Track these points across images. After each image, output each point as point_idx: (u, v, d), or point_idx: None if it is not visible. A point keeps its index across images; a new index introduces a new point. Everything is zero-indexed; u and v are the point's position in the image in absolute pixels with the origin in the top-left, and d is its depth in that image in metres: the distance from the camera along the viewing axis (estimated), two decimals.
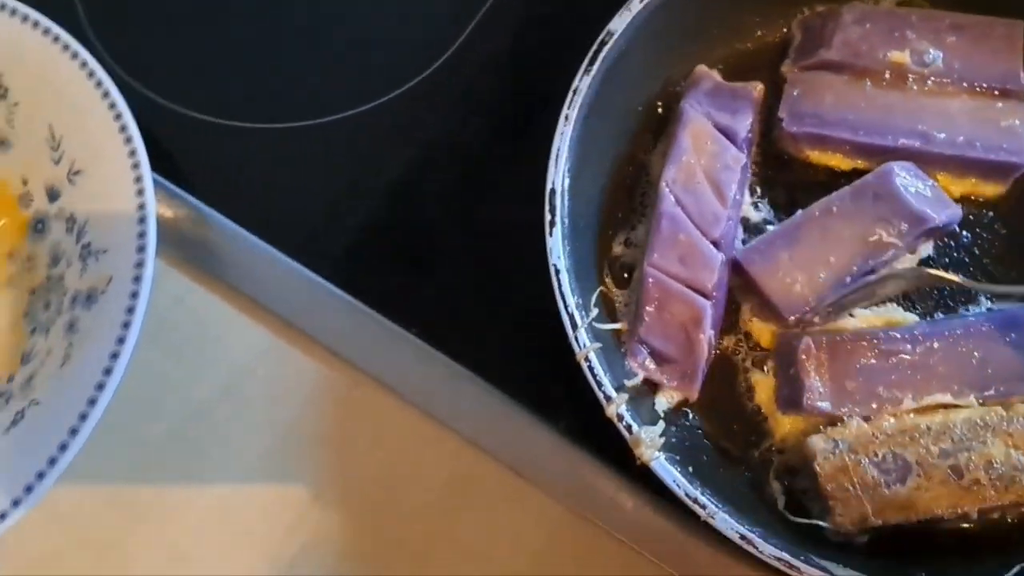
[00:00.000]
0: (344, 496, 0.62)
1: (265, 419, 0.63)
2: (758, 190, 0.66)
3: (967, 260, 0.64)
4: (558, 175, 0.59)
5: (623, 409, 0.54)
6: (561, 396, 0.61)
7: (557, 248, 0.58)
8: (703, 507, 0.52)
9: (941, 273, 0.61)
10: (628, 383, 0.58)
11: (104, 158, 0.63)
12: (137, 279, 0.59)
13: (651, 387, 0.60)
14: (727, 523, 0.51)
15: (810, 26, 0.69)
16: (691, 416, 0.60)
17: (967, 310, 0.62)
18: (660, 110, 0.68)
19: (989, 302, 0.62)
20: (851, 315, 0.60)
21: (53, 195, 0.65)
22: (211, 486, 0.62)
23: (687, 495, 0.52)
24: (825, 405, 0.57)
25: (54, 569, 0.60)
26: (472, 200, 0.69)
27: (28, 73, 0.65)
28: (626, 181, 0.66)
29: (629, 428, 0.54)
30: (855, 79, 0.66)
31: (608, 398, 0.54)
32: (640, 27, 0.64)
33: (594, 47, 0.62)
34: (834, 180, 0.64)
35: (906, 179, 0.61)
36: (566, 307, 0.56)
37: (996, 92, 0.65)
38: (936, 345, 0.58)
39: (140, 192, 0.61)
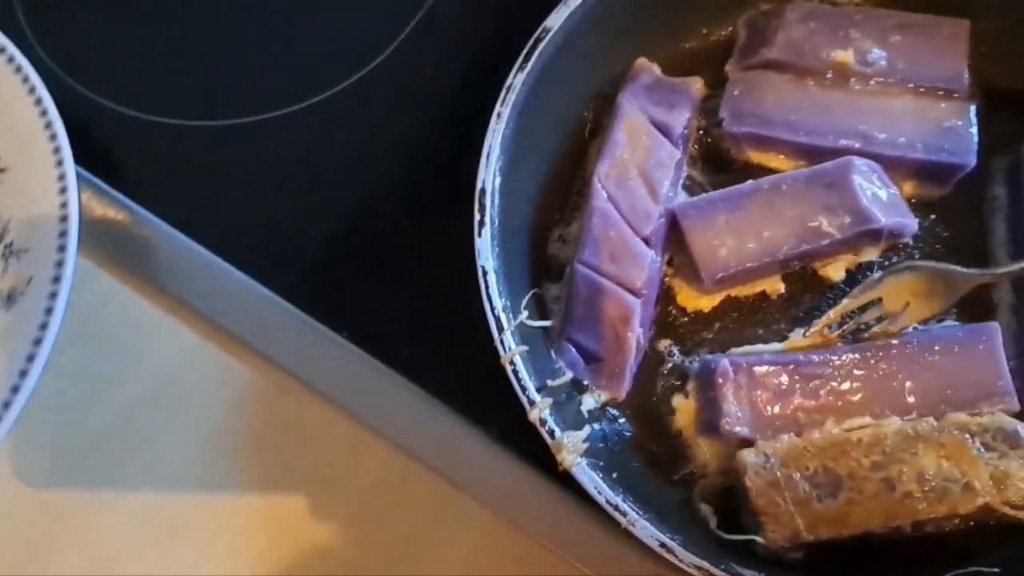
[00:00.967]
0: (270, 502, 0.60)
1: (192, 422, 0.62)
2: (696, 190, 0.64)
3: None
4: (489, 174, 0.58)
5: (546, 414, 0.53)
6: (493, 401, 0.60)
7: (486, 249, 0.57)
8: (624, 514, 0.51)
9: (934, 264, 0.58)
10: (556, 383, 0.57)
11: (29, 156, 0.62)
12: (57, 279, 0.58)
13: (580, 388, 0.59)
14: (647, 531, 0.50)
15: (755, 25, 0.68)
16: (620, 421, 0.59)
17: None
18: (600, 107, 0.67)
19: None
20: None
21: None
22: (136, 489, 0.61)
23: (608, 502, 0.51)
24: (743, 430, 0.55)
25: None
26: (407, 200, 0.68)
27: None
28: (564, 178, 0.65)
29: (552, 433, 0.53)
30: (798, 79, 0.65)
31: (531, 402, 0.53)
32: (578, 23, 0.62)
33: (529, 44, 0.61)
34: None
35: (865, 177, 0.60)
36: (493, 310, 0.55)
37: (940, 92, 0.64)
38: (857, 369, 0.56)
39: (63, 191, 0.60)
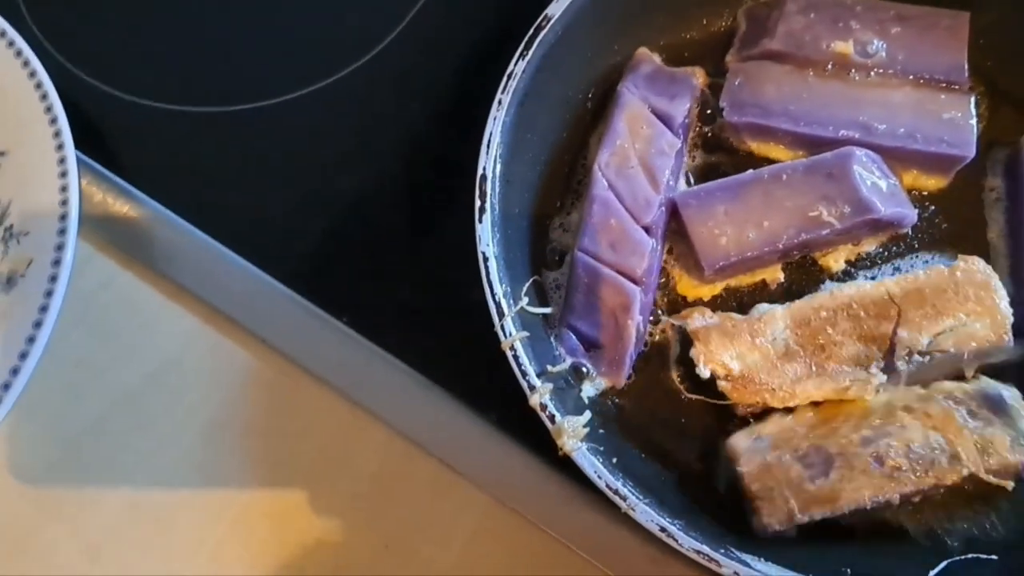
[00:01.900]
0: (270, 486, 0.60)
1: (191, 408, 0.62)
2: (694, 180, 0.65)
3: (908, 255, 0.63)
4: (489, 161, 0.58)
5: (547, 399, 0.53)
6: (494, 387, 0.60)
7: (486, 235, 0.57)
8: (624, 499, 0.51)
9: None
10: (556, 369, 0.57)
11: (30, 141, 0.62)
12: (57, 262, 0.58)
13: (579, 375, 0.59)
14: (648, 515, 0.50)
15: (755, 15, 0.68)
16: (621, 406, 0.59)
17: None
18: (601, 96, 0.67)
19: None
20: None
21: None
22: (132, 479, 0.61)
23: (608, 486, 0.51)
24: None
25: None
26: (409, 187, 0.68)
27: None
28: (564, 167, 0.65)
29: (552, 418, 0.53)
30: (798, 69, 0.65)
31: (532, 387, 0.53)
32: (579, 12, 0.62)
33: (530, 32, 0.61)
34: None
35: (865, 167, 0.60)
36: (493, 296, 0.55)
37: (940, 84, 0.64)
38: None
39: (64, 174, 0.60)
